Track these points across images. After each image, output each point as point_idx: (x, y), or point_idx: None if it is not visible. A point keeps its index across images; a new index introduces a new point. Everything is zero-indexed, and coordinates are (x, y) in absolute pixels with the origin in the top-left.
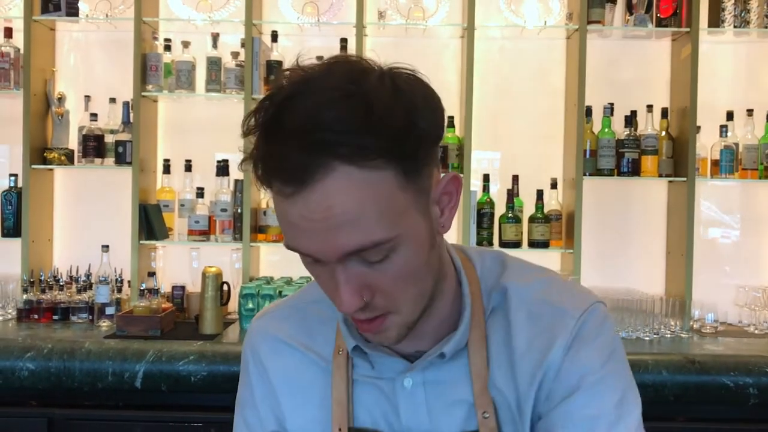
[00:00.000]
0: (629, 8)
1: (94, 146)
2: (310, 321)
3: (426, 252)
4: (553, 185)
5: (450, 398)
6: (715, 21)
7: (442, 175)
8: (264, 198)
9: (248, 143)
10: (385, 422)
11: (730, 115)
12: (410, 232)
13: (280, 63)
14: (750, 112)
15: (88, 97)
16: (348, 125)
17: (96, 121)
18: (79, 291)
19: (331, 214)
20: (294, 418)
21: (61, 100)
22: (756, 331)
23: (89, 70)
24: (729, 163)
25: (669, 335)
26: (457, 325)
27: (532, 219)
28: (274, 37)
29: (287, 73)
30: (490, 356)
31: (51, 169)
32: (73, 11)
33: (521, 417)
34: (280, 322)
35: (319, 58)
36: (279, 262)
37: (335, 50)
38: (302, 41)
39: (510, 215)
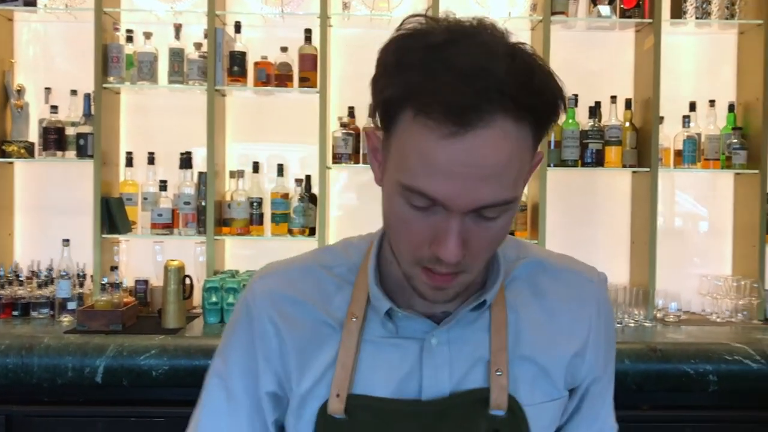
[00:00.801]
0: None
1: (54, 139)
2: (324, 284)
3: (510, 224)
4: None
5: (471, 357)
6: (678, 12)
7: None
8: (228, 191)
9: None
10: (396, 385)
11: (692, 106)
12: (518, 198)
13: (243, 54)
14: (712, 102)
15: (48, 89)
16: (516, 81)
17: (56, 113)
18: (40, 286)
19: (485, 164)
20: (303, 382)
21: (20, 92)
22: (718, 320)
23: (49, 61)
24: (691, 153)
25: (633, 324)
26: (479, 288)
27: None
28: (238, 27)
29: (420, 19)
30: (520, 319)
31: (11, 163)
32: (31, 1)
33: (554, 380)
34: (295, 282)
35: (283, 49)
36: (246, 256)
37: (300, 41)
38: (266, 32)
39: None
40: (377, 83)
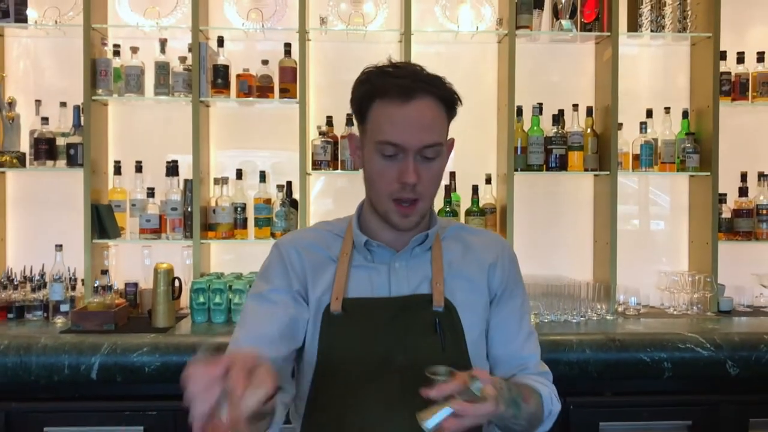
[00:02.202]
0: (555, 14)
1: (45, 149)
2: (326, 237)
3: (443, 169)
4: (488, 180)
5: (420, 276)
6: (634, 26)
7: None
8: (213, 197)
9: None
10: (374, 291)
11: (649, 113)
12: (445, 151)
13: (226, 67)
14: (667, 109)
15: (38, 102)
16: (433, 81)
17: (47, 124)
18: (33, 290)
19: (423, 117)
20: (314, 289)
21: (11, 104)
22: (675, 312)
23: (39, 75)
24: (648, 157)
25: (595, 318)
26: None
27: (468, 212)
28: (221, 42)
29: (373, 66)
30: (453, 258)
31: (2, 172)
32: (21, 18)
33: (478, 286)
34: (308, 236)
35: (264, 62)
36: (230, 259)
37: (280, 54)
38: (248, 46)
39: (447, 209)
40: (353, 96)
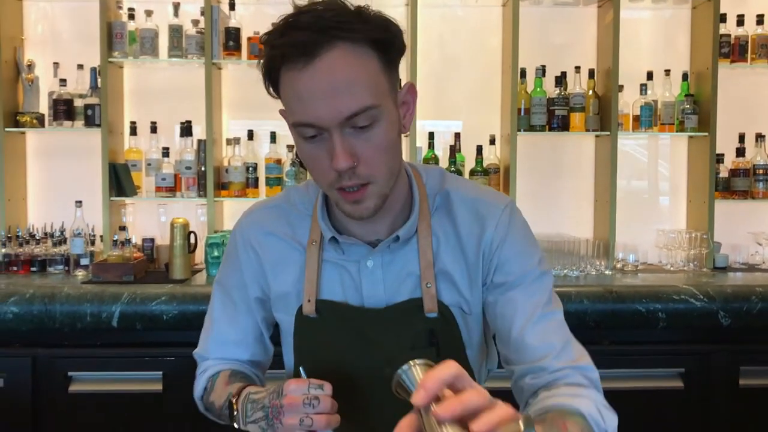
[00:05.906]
0: None
1: (64, 110)
2: (291, 218)
3: (396, 133)
4: (492, 141)
5: (402, 273)
6: None
7: None
8: (226, 157)
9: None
10: (345, 295)
11: (649, 75)
12: (388, 110)
13: (237, 30)
14: (667, 72)
15: (56, 64)
16: (345, 18)
17: (65, 86)
18: (54, 245)
19: (334, 79)
20: (276, 286)
21: (30, 66)
22: (672, 269)
23: (57, 38)
24: (648, 118)
25: (594, 273)
26: (407, 219)
27: (472, 172)
28: (232, 5)
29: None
30: (439, 242)
31: (23, 133)
32: None
33: (471, 282)
34: (268, 218)
35: (274, 24)
36: None
37: None
38: (258, 9)
39: (452, 169)
40: (262, 64)
